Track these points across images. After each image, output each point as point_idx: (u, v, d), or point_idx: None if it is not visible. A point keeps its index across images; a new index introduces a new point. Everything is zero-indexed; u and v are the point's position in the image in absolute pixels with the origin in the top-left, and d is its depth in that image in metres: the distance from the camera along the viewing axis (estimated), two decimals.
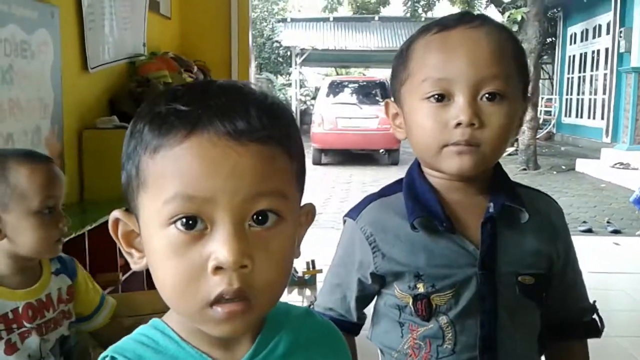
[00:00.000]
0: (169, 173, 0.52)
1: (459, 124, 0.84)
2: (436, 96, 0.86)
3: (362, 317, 1.00)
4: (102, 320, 1.33)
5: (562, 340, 1.00)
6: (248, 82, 0.58)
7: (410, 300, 0.90)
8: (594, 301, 1.02)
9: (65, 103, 2.43)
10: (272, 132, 0.53)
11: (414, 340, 0.92)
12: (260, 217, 0.53)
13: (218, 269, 0.51)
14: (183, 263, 0.52)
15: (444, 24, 0.88)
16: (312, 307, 1.01)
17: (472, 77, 0.84)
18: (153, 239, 0.54)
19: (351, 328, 0.99)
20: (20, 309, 1.17)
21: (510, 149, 10.78)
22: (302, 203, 0.61)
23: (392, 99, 0.97)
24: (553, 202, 1.00)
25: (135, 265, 0.58)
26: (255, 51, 15.48)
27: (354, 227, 0.95)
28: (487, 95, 0.84)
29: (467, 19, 0.88)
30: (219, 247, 0.51)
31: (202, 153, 0.51)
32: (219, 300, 0.52)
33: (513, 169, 9.32)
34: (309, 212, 0.62)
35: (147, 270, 0.57)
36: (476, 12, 0.93)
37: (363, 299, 0.98)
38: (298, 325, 0.64)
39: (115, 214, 0.58)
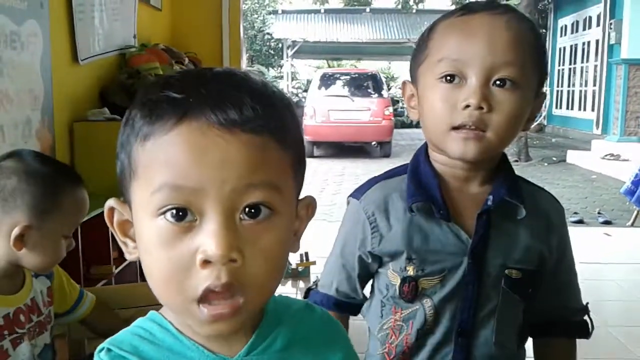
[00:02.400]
0: (157, 162, 0.50)
1: (467, 106, 0.84)
2: (449, 77, 0.86)
3: (365, 297, 1.01)
4: (81, 314, 1.31)
5: (549, 336, 1.01)
6: (246, 70, 0.56)
7: (398, 281, 0.92)
8: (587, 303, 1.02)
9: (55, 95, 2.40)
10: (266, 121, 0.51)
11: (395, 321, 0.94)
12: (252, 210, 0.51)
13: (206, 262, 0.49)
14: (171, 255, 0.50)
15: (468, 8, 0.89)
16: (315, 287, 1.02)
17: (487, 61, 0.84)
18: (143, 229, 0.53)
19: (355, 309, 1.00)
20: (11, 315, 1.13)
21: None
22: (308, 194, 0.60)
23: (410, 79, 0.97)
24: (555, 201, 1.00)
25: (130, 255, 0.57)
26: (246, 43, 15.38)
27: (357, 207, 0.96)
28: (499, 80, 0.84)
29: (491, 5, 0.89)
30: (207, 239, 0.49)
31: (191, 142, 0.49)
32: (206, 297, 0.50)
33: None
34: (310, 205, 0.60)
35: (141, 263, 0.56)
36: (505, 3, 0.94)
37: (364, 277, 0.99)
38: (297, 319, 0.63)
39: (110, 202, 0.57)
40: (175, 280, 0.51)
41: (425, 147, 0.96)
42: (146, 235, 0.52)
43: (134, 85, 2.95)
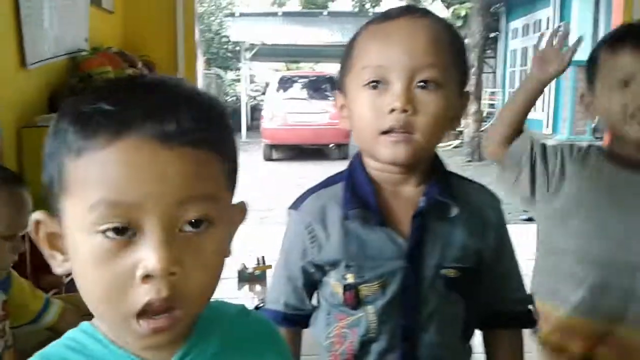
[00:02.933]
0: (93, 179, 0.50)
1: (393, 110, 0.86)
2: (373, 83, 0.88)
3: (314, 306, 1.01)
4: (48, 322, 1.29)
5: (496, 328, 1.03)
6: (180, 78, 0.56)
7: (341, 290, 0.93)
8: (530, 293, 1.04)
9: (2, 101, 2.35)
10: (203, 134, 0.52)
11: (340, 329, 0.94)
12: (192, 222, 0.52)
13: (147, 277, 0.50)
14: (110, 271, 0.50)
15: (386, 15, 0.91)
16: (262, 305, 1.02)
17: (408, 65, 0.86)
18: (77, 246, 0.52)
19: (305, 321, 1.01)
20: None
21: (455, 142, 11.04)
22: (241, 200, 0.61)
23: (340, 90, 0.98)
24: (490, 194, 1.00)
25: (59, 268, 0.56)
26: (203, 46, 15.23)
27: (296, 218, 0.98)
28: (421, 82, 0.86)
29: (409, 10, 0.91)
30: (147, 254, 0.50)
31: (128, 158, 0.49)
32: (145, 312, 0.51)
33: (459, 160, 9.58)
34: (242, 210, 0.61)
35: None
36: (422, 7, 0.96)
37: (310, 287, 1.00)
38: (231, 323, 0.64)
39: (37, 216, 0.56)
40: (113, 295, 0.51)
41: (360, 154, 0.98)
42: (81, 251, 0.51)
43: (85, 89, 2.90)
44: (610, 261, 1.21)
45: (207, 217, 0.53)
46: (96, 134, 0.50)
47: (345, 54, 0.95)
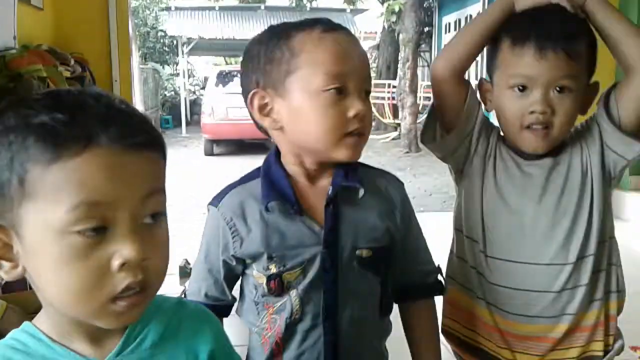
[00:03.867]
0: (70, 183, 0.55)
1: (355, 116, 0.97)
2: (337, 89, 0.95)
3: (234, 297, 1.08)
4: None
5: (411, 300, 1.13)
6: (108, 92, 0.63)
7: (265, 280, 0.99)
8: (438, 265, 1.15)
9: None
10: (152, 137, 0.61)
11: (270, 315, 1.01)
12: (151, 214, 0.60)
13: (123, 265, 0.57)
14: (87, 265, 0.56)
15: (327, 26, 0.98)
16: (184, 296, 1.06)
17: (361, 74, 0.98)
18: (47, 247, 0.56)
19: (225, 311, 1.07)
20: None
21: (393, 134, 11.33)
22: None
23: (266, 88, 1.00)
24: (394, 179, 1.11)
25: (7, 275, 0.61)
26: (139, 41, 14.85)
27: (216, 214, 1.03)
28: (365, 92, 1.00)
29: (338, 25, 1.00)
30: (123, 245, 0.57)
31: (103, 162, 0.56)
32: (122, 293, 0.58)
33: (397, 152, 9.83)
34: None
35: None
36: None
37: (231, 279, 1.06)
38: (169, 315, 0.69)
39: None
40: (91, 286, 0.57)
41: (275, 151, 1.05)
42: (52, 251, 0.56)
43: (16, 88, 2.85)
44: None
45: (161, 208, 0.62)
46: (67, 144, 0.55)
47: (279, 53, 0.97)
